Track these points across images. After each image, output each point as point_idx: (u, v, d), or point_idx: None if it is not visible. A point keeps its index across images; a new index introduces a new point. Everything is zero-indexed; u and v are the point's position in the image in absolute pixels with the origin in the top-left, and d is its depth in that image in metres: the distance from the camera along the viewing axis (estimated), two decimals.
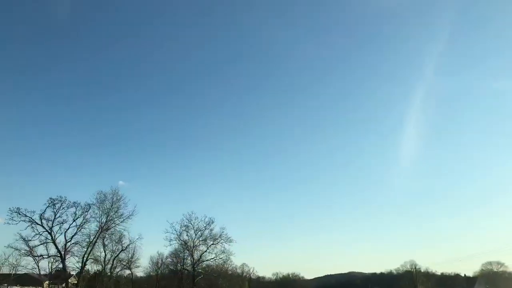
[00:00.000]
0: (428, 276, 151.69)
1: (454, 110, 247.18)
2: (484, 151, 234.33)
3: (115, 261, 75.20)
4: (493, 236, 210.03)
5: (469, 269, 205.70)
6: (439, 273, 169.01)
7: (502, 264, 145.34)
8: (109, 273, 74.84)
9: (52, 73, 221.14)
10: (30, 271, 72.52)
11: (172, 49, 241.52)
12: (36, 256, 66.32)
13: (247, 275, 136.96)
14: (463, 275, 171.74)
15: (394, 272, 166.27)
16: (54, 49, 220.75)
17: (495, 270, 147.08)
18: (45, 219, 63.87)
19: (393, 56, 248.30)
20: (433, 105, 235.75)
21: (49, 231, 64.12)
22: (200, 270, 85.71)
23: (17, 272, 74.51)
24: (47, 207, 64.02)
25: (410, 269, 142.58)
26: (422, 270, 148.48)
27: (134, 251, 78.58)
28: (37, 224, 63.49)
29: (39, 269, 69.94)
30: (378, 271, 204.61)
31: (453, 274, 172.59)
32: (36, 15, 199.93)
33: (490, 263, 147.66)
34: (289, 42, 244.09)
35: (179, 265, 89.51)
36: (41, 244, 64.52)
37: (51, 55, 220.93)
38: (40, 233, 63.77)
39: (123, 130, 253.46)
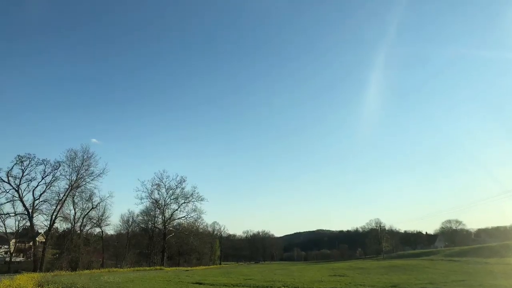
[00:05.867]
0: (392, 233, 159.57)
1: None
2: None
3: (85, 219, 74.99)
4: (451, 196, 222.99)
5: (430, 227, 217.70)
6: (402, 231, 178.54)
7: (460, 222, 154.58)
8: (78, 231, 74.67)
9: None
10: None
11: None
12: (2, 214, 65.42)
13: (218, 233, 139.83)
14: (424, 232, 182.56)
15: (360, 230, 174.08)
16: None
17: (453, 227, 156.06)
18: (12, 176, 62.51)
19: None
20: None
21: (16, 188, 62.92)
22: (171, 228, 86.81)
23: None
24: (15, 164, 62.51)
25: (375, 227, 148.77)
26: (387, 228, 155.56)
27: (104, 209, 78.40)
28: (4, 181, 62.14)
29: (5, 227, 69.24)
30: (345, 228, 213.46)
31: (415, 231, 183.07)
32: None
33: (449, 221, 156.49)
34: None
35: (150, 223, 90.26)
36: (7, 202, 63.51)
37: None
38: (7, 190, 62.59)
39: (99, 91, 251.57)
